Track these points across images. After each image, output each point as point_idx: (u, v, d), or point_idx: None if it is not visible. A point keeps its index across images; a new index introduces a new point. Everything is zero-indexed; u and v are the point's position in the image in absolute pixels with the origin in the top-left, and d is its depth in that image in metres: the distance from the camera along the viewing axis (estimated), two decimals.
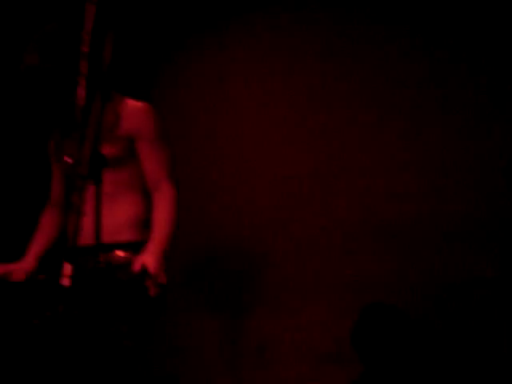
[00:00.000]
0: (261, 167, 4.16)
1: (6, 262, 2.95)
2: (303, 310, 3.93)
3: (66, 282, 1.86)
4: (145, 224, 2.85)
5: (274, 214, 4.08)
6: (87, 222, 2.11)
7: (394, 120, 3.87)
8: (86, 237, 2.24)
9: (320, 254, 3.93)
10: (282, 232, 4.05)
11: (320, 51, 4.06)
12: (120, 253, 2.75)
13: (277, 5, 4.19)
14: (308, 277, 3.96)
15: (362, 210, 3.89)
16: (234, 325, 4.10)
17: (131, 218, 2.85)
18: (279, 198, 4.08)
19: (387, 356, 3.47)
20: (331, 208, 3.96)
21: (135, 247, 2.78)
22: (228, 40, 4.32)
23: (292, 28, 4.16)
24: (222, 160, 4.27)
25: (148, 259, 2.58)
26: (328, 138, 4.01)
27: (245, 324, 4.09)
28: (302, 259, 3.97)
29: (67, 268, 1.87)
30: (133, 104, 2.86)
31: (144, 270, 2.50)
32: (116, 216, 2.78)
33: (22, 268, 2.90)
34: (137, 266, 2.54)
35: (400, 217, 3.77)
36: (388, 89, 3.89)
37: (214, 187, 4.24)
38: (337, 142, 4.00)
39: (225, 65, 4.33)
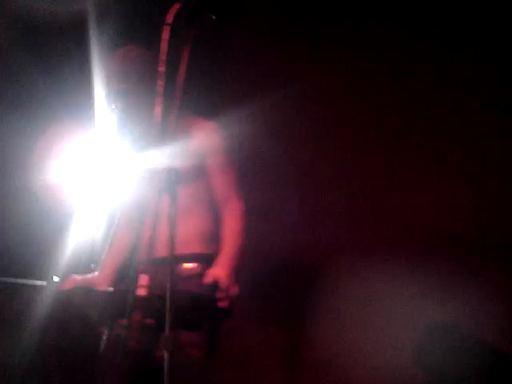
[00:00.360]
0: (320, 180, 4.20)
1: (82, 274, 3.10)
2: (367, 322, 3.94)
3: (142, 291, 1.95)
4: (213, 237, 2.96)
5: (336, 228, 4.11)
6: (161, 235, 2.20)
7: (450, 133, 3.89)
8: (160, 249, 2.33)
9: (380, 266, 3.94)
10: (346, 244, 4.07)
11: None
12: (189, 265, 2.85)
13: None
14: (371, 289, 3.97)
15: (420, 227, 3.89)
16: (298, 337, 4.14)
17: (200, 231, 2.95)
18: (339, 212, 4.11)
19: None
20: (387, 223, 3.97)
21: (203, 259, 2.89)
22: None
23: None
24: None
25: (219, 272, 2.67)
26: (381, 153, 4.03)
27: (308, 337, 4.12)
28: (365, 271, 3.98)
29: (143, 279, 1.96)
30: (203, 122, 2.99)
31: (215, 283, 2.58)
32: (185, 229, 2.87)
33: (101, 280, 3.04)
34: (208, 279, 2.63)
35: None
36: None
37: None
38: (389, 156, 4.01)
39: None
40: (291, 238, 4.26)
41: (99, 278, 3.04)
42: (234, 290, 2.68)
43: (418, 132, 4.00)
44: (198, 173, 2.93)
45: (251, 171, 3.78)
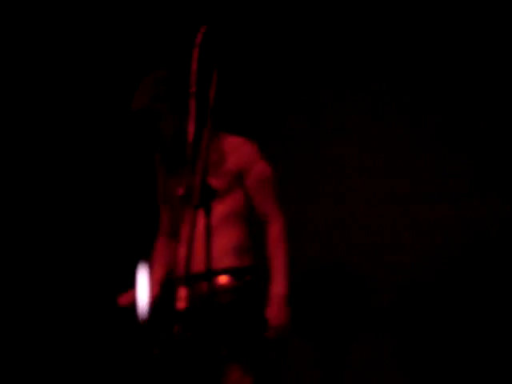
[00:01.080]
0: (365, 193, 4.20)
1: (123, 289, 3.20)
2: (403, 335, 3.94)
3: (181, 305, 2.01)
4: (246, 250, 3.05)
5: (377, 240, 4.11)
6: (197, 250, 2.26)
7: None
8: (196, 263, 2.39)
9: (421, 279, 3.93)
10: (386, 257, 4.06)
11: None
12: (224, 278, 2.92)
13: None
14: (409, 303, 3.96)
15: (466, 237, 3.87)
16: (336, 350, 4.14)
17: (234, 246, 3.02)
18: (383, 223, 4.10)
19: None
20: (433, 234, 3.95)
21: (237, 273, 2.97)
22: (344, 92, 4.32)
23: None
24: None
25: (274, 312, 2.85)
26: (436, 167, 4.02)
27: (347, 350, 4.12)
28: (405, 284, 3.97)
29: (182, 292, 2.02)
30: (238, 140, 3.07)
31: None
32: (220, 244, 2.94)
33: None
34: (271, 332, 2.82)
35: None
36: None
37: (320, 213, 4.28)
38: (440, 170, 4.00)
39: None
40: (328, 249, 4.26)
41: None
42: (286, 326, 2.85)
43: None
44: (232, 189, 3.00)
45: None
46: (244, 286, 2.99)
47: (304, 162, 4.28)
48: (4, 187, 4.32)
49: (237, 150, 3.03)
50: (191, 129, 2.34)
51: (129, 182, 4.43)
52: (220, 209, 2.90)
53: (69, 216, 4.44)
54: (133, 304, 3.06)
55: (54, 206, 4.42)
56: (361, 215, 4.07)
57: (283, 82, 4.36)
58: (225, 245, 2.98)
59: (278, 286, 2.93)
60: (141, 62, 3.90)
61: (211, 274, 2.49)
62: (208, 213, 2.17)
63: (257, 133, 3.41)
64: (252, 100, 4.36)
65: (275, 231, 3.02)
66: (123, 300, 3.08)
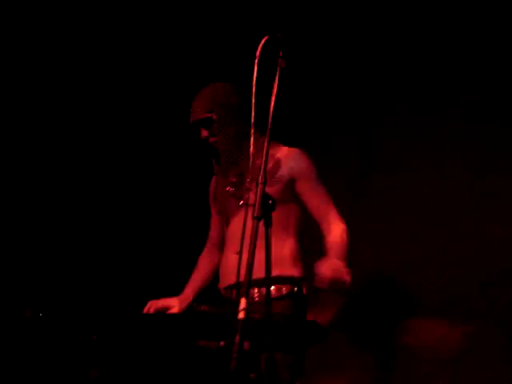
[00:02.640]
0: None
1: (167, 295, 3.24)
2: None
3: (241, 315, 2.02)
4: (296, 260, 3.04)
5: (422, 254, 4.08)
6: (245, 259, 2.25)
7: None
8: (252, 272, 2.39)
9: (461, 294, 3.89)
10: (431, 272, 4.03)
11: None
12: (275, 287, 2.93)
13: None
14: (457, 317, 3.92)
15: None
16: (380, 367, 4.11)
17: (286, 255, 3.02)
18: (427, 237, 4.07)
19: None
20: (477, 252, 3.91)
21: (287, 282, 2.97)
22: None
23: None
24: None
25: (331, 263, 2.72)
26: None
27: (391, 365, 4.09)
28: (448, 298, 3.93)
29: (242, 302, 2.03)
30: (289, 150, 3.10)
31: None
32: (272, 252, 2.94)
33: (177, 302, 3.20)
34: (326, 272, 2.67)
35: None
36: None
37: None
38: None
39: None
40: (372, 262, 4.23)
41: (177, 300, 3.20)
42: (347, 277, 2.70)
43: None
44: (285, 199, 3.01)
45: None
46: (292, 297, 2.98)
47: None
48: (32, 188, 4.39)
49: (289, 158, 3.06)
50: (252, 139, 2.36)
51: (186, 192, 4.49)
52: (273, 218, 2.91)
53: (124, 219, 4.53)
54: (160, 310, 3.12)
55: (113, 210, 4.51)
56: None
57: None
58: (277, 254, 2.97)
59: (337, 254, 2.85)
60: (202, 73, 3.93)
61: (267, 282, 2.49)
62: (268, 224, 2.18)
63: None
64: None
65: (337, 229, 2.98)
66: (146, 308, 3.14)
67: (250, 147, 2.52)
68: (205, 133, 3.10)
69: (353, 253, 3.00)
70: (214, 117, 3.07)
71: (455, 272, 3.85)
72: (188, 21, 4.49)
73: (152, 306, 3.15)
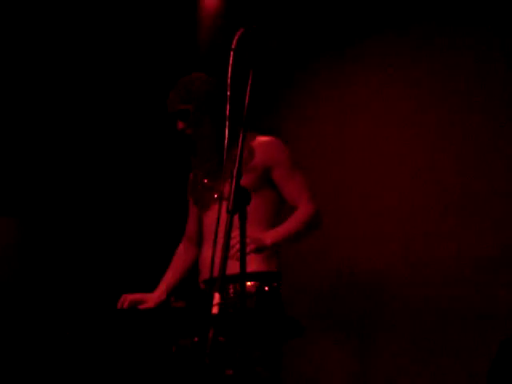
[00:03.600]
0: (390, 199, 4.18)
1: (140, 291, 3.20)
2: (432, 344, 3.90)
3: (215, 310, 1.99)
4: (271, 255, 3.00)
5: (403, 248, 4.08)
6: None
7: None
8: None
9: (451, 286, 3.89)
10: (410, 263, 4.04)
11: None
12: (248, 283, 2.90)
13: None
14: (436, 310, 3.92)
15: (493, 243, 3.83)
16: (361, 358, 4.12)
17: None
18: (408, 230, 4.08)
19: None
20: (463, 241, 3.92)
21: (262, 277, 2.94)
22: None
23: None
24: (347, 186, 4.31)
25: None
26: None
27: (372, 358, 4.09)
28: (432, 291, 3.93)
29: (216, 297, 2.00)
30: (263, 139, 3.07)
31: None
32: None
33: (151, 297, 3.16)
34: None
35: None
36: None
37: (339, 214, 4.26)
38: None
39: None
40: (353, 255, 4.24)
41: (150, 295, 3.17)
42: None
43: None
44: (258, 189, 2.99)
45: None
46: (269, 292, 2.95)
47: None
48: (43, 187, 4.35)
49: (264, 147, 3.04)
50: (226, 132, 2.33)
51: (161, 183, 4.46)
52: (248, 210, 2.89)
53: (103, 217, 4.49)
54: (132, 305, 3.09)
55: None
56: None
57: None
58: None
59: (279, 231, 2.92)
60: (178, 65, 3.91)
61: (242, 278, 2.46)
62: (243, 218, 2.15)
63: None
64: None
65: (301, 212, 2.99)
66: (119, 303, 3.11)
67: (225, 139, 2.49)
68: (181, 124, 3.07)
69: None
70: (191, 108, 3.04)
71: None
72: (166, 12, 4.47)
73: (126, 299, 3.11)
